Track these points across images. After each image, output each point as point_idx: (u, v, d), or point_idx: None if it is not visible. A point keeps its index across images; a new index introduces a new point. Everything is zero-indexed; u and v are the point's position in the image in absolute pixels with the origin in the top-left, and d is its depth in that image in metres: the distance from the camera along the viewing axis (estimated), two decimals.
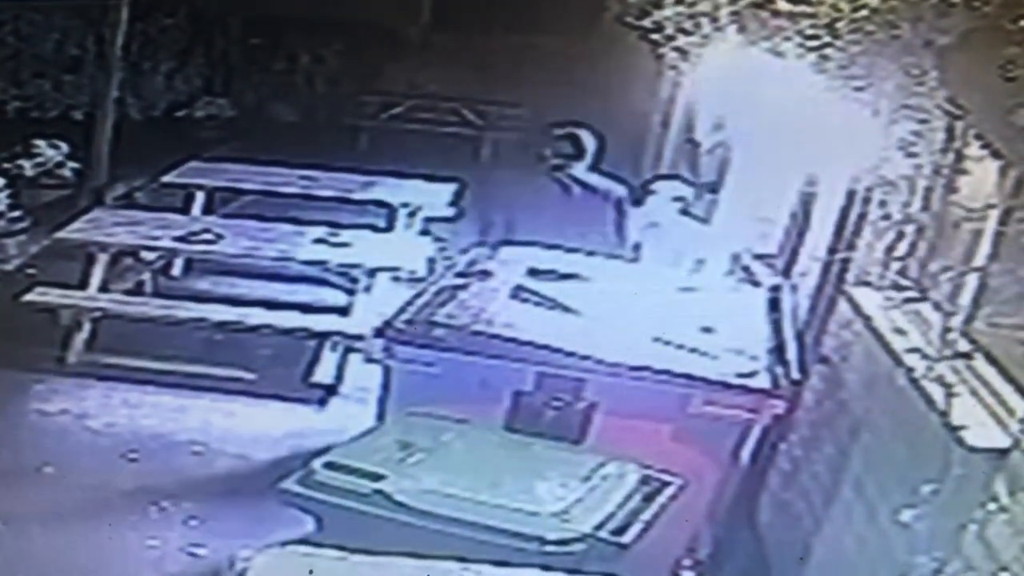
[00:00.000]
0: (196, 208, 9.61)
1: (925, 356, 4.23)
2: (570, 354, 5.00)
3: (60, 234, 8.43)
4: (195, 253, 8.63)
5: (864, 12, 4.66)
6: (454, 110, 14.85)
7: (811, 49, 5.13)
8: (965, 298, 4.36)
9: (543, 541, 4.16)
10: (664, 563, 4.95)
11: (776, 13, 5.52)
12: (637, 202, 7.24)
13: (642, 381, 4.94)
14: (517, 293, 5.62)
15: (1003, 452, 3.75)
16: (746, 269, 6.80)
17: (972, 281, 4.33)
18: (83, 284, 8.13)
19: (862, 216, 5.35)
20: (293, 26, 15.07)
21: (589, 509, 4.36)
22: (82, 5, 13.47)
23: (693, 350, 5.13)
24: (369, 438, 4.90)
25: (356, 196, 9.72)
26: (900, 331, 4.67)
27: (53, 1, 13.82)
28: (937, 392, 4.03)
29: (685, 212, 7.27)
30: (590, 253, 6.41)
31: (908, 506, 3.95)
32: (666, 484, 4.68)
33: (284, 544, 4.55)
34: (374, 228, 9.18)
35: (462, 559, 3.82)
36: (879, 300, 5.02)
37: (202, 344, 7.99)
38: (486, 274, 5.87)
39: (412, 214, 9.51)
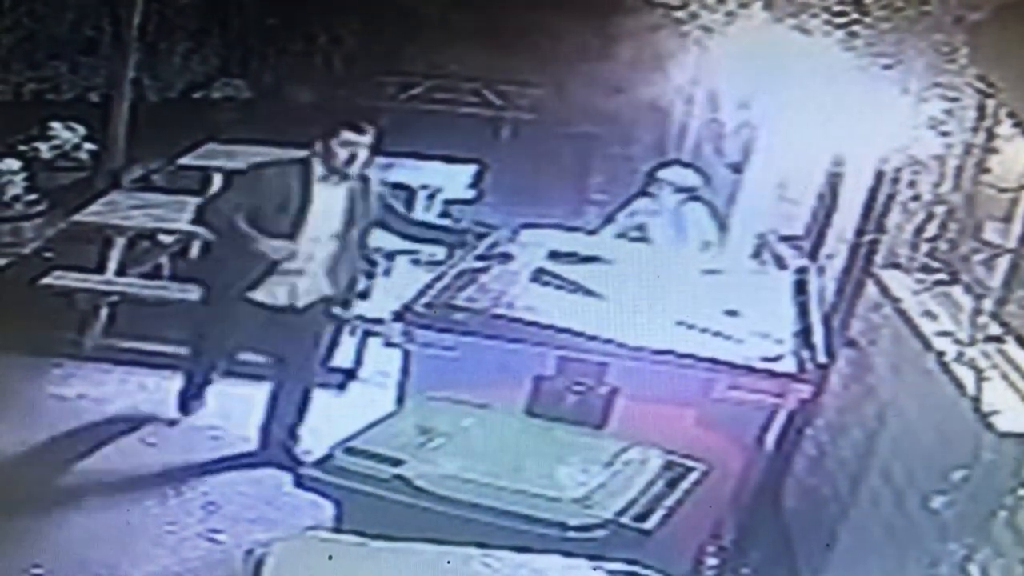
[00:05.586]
0: (214, 190, 9.56)
1: (955, 340, 4.16)
2: (592, 338, 4.93)
3: (77, 217, 8.41)
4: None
5: None
6: (474, 90, 14.81)
7: (839, 26, 5.06)
8: (996, 280, 4.28)
9: (564, 527, 4.11)
10: (688, 549, 4.89)
11: None
12: (644, 189, 7.24)
13: (665, 365, 4.87)
14: (538, 276, 5.55)
15: None
16: (772, 251, 6.72)
17: (1004, 263, 4.26)
18: (100, 267, 8.11)
19: (891, 197, 5.27)
20: (310, 6, 15.02)
21: (611, 495, 4.31)
22: None
23: (717, 334, 5.06)
24: (389, 423, 4.86)
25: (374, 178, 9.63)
26: (930, 314, 4.60)
27: None
28: (967, 376, 3.98)
29: (694, 199, 7.22)
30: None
31: (938, 492, 3.90)
32: (690, 469, 4.63)
33: (304, 529, 4.53)
34: None
35: (482, 545, 3.78)
36: (908, 282, 4.94)
37: None
38: (506, 257, 5.81)
39: (431, 196, 9.44)
